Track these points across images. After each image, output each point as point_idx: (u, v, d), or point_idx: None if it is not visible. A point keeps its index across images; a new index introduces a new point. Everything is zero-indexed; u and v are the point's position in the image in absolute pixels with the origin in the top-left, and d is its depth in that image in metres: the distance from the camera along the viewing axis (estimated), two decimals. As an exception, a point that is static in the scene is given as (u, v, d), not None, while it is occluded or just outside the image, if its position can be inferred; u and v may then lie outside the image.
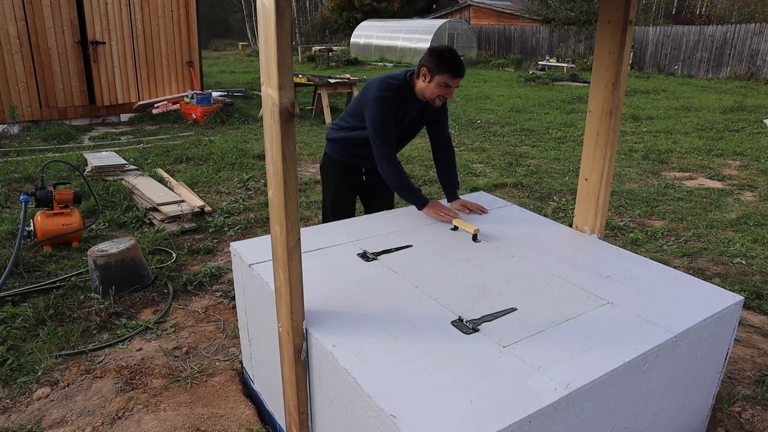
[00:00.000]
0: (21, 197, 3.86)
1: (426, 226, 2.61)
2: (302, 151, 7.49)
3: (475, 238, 2.41)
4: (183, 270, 3.85)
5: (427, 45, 22.40)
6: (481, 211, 2.80)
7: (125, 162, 6.10)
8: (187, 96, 9.69)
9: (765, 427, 2.38)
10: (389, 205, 3.22)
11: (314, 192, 5.72)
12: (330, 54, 22.16)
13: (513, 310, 1.85)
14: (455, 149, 7.59)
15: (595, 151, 2.45)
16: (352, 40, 26.06)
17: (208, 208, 4.96)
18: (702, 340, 1.86)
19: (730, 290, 2.05)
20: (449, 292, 1.96)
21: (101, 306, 3.29)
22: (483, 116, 10.38)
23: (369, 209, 3.24)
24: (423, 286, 2.01)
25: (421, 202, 2.70)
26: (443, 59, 2.55)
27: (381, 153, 2.70)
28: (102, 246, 3.48)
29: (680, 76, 18.16)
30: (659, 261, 2.82)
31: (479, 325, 1.75)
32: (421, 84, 2.66)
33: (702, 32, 18.28)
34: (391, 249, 2.32)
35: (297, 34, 34.89)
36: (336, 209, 3.12)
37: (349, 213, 3.11)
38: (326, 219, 3.17)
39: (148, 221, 4.75)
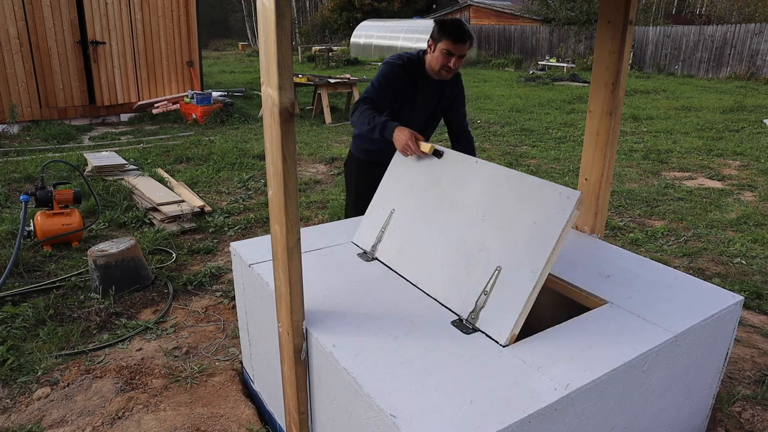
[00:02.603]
0: (21, 197, 3.86)
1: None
2: (302, 151, 7.49)
3: (437, 154, 2.18)
4: (183, 270, 3.85)
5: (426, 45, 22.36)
6: None
7: (125, 162, 6.11)
8: (187, 96, 9.70)
9: (765, 427, 2.38)
10: None
11: (314, 192, 5.72)
12: (330, 54, 22.16)
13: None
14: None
15: (595, 151, 2.45)
16: (352, 40, 26.06)
17: (208, 208, 4.96)
18: (702, 340, 1.86)
19: (730, 290, 2.05)
20: (440, 270, 1.94)
21: (101, 306, 3.29)
22: (483, 116, 10.39)
23: None
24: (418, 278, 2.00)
25: (388, 129, 2.43)
26: (445, 26, 2.59)
27: (358, 106, 2.60)
28: (102, 246, 3.48)
29: (680, 76, 18.16)
30: (659, 261, 2.82)
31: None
32: (429, 57, 2.70)
33: (702, 32, 18.28)
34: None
35: (297, 34, 34.89)
36: (357, 207, 3.08)
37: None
38: (347, 217, 3.17)
39: (148, 221, 4.75)
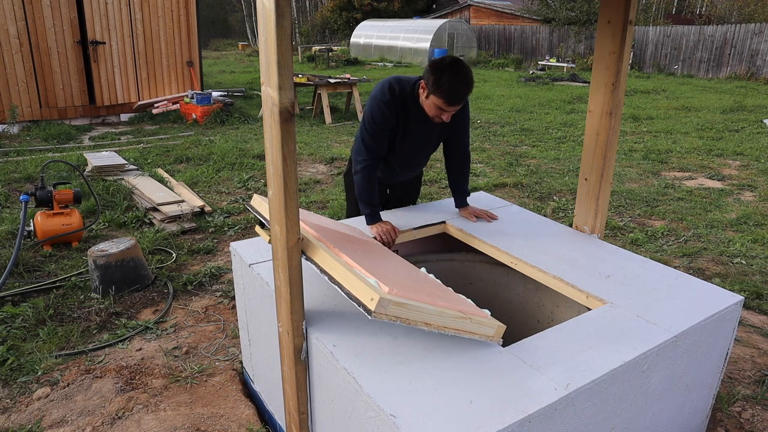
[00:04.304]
0: (21, 197, 3.86)
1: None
2: (302, 151, 7.49)
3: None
4: (183, 270, 3.85)
5: (427, 45, 22.40)
6: (490, 218, 2.72)
7: (125, 162, 6.10)
8: (187, 96, 9.69)
9: (765, 427, 2.38)
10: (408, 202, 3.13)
11: (314, 192, 5.72)
12: (330, 54, 22.15)
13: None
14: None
15: (595, 151, 2.45)
16: (352, 40, 26.06)
17: (208, 208, 4.96)
18: (702, 340, 1.86)
19: (730, 290, 2.05)
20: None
21: (101, 306, 3.29)
22: (483, 116, 10.39)
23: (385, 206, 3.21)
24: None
25: (371, 219, 2.54)
26: (441, 83, 2.30)
27: (361, 158, 2.56)
28: (102, 246, 3.48)
29: (680, 76, 18.16)
30: (659, 261, 2.82)
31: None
32: (422, 97, 2.45)
33: (702, 32, 18.27)
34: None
35: (297, 34, 34.88)
36: (353, 210, 3.05)
37: None
38: (348, 213, 3.14)
39: (148, 221, 4.75)
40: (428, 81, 2.35)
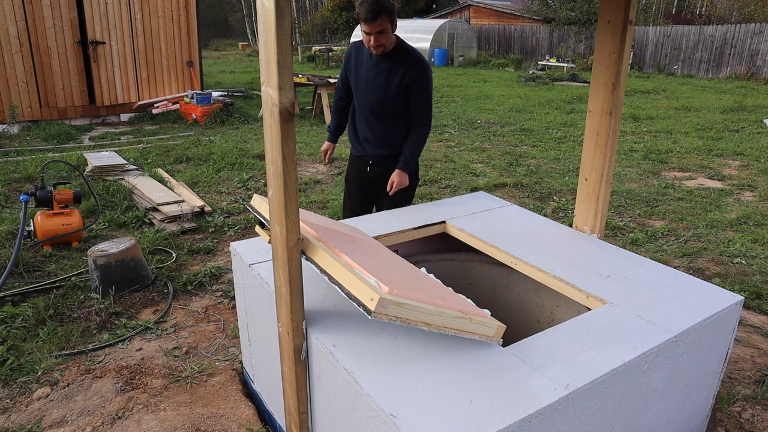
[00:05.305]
0: (21, 197, 3.86)
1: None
2: (302, 151, 7.49)
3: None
4: (183, 270, 3.85)
5: (427, 45, 22.39)
6: (395, 188, 2.94)
7: (125, 162, 6.10)
8: (187, 96, 9.69)
9: (765, 427, 2.38)
10: (399, 203, 3.10)
11: (314, 192, 5.72)
12: (330, 54, 22.15)
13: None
14: (454, 149, 7.57)
15: (595, 151, 2.45)
16: (352, 39, 26.04)
17: (208, 208, 4.96)
18: (702, 340, 1.86)
19: (730, 290, 2.05)
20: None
21: (101, 306, 3.29)
22: (483, 116, 10.38)
23: (378, 206, 3.24)
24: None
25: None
26: (358, 6, 2.65)
27: (335, 95, 3.24)
28: (102, 246, 3.48)
29: (680, 76, 18.16)
30: (659, 261, 2.82)
31: (479, 325, 1.75)
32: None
33: (702, 32, 18.28)
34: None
35: (297, 34, 34.87)
36: (346, 200, 3.27)
37: (361, 207, 3.19)
38: (343, 209, 3.35)
39: (148, 221, 4.75)
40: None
